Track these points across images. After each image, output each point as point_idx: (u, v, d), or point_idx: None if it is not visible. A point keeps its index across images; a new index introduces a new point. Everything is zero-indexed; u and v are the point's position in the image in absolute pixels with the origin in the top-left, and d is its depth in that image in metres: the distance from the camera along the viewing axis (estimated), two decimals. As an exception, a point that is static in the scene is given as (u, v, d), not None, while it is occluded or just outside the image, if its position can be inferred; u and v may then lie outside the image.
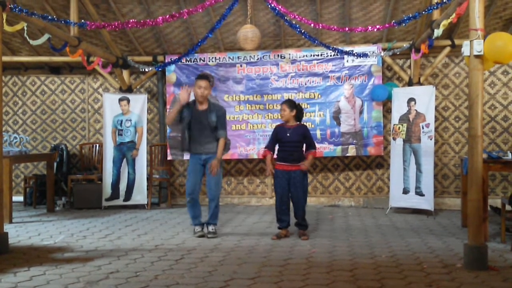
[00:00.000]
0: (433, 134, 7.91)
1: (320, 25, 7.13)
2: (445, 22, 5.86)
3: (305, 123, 8.49)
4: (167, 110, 9.17)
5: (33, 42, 6.80)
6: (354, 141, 8.74)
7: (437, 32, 6.29)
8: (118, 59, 8.74)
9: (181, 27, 8.76)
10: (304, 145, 6.36)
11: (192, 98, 6.40)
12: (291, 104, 6.35)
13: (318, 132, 8.78)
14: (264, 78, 8.97)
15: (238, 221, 7.61)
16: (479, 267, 4.71)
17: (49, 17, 6.43)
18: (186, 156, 9.08)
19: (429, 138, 7.89)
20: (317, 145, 8.75)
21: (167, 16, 6.55)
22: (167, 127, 9.21)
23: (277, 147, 6.43)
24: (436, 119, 8.59)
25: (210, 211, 6.42)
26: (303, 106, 8.58)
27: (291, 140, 6.25)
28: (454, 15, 5.49)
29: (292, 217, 6.42)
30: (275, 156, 6.44)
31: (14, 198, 8.61)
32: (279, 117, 8.74)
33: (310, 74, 8.84)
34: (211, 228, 6.43)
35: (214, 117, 6.29)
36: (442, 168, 8.89)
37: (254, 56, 8.93)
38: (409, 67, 8.85)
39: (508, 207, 6.13)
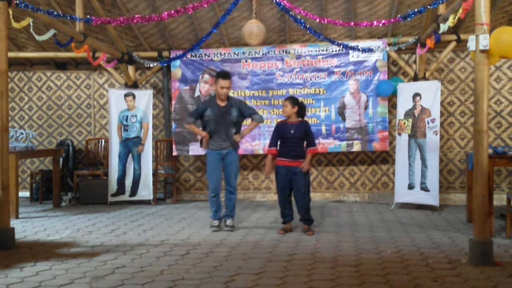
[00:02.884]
0: (438, 129, 7.89)
1: (325, 20, 7.09)
2: (452, 20, 5.82)
3: (310, 119, 8.63)
4: (173, 105, 9.19)
5: (39, 38, 6.81)
6: (359, 137, 8.73)
7: (443, 28, 6.26)
8: (124, 55, 8.74)
9: (186, 22, 8.76)
10: (305, 142, 6.38)
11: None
12: (293, 100, 6.38)
13: (323, 128, 8.77)
14: (269, 73, 8.96)
15: (243, 216, 7.62)
16: (485, 263, 4.70)
17: (55, 12, 6.43)
18: (191, 152, 9.13)
19: (434, 134, 7.87)
20: (322, 141, 8.84)
21: (172, 12, 6.54)
22: (172, 123, 9.24)
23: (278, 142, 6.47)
24: (442, 114, 8.57)
25: (231, 203, 6.55)
26: (308, 102, 8.68)
27: (294, 136, 6.27)
28: (461, 10, 5.45)
29: (296, 212, 6.44)
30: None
31: (21, 194, 8.64)
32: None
33: (315, 70, 8.83)
34: (229, 221, 6.54)
35: (235, 112, 6.46)
36: (448, 164, 8.87)
37: (259, 51, 8.92)
38: (415, 62, 8.83)
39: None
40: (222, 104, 6.46)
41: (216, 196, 6.50)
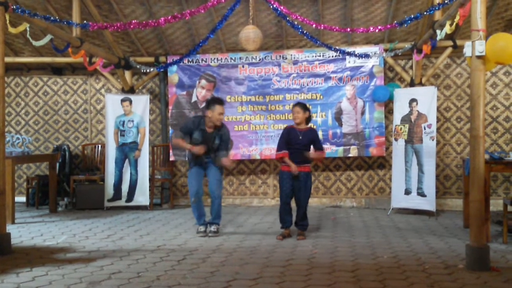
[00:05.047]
0: (435, 135, 7.91)
1: (322, 25, 7.14)
2: (450, 26, 5.84)
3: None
4: (169, 110, 9.19)
5: (36, 43, 6.82)
6: (356, 142, 8.74)
7: (441, 34, 6.29)
8: (120, 60, 8.75)
9: (183, 28, 8.78)
10: (312, 147, 6.35)
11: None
12: (303, 106, 6.38)
13: (320, 133, 8.76)
14: (266, 79, 8.97)
15: (240, 221, 7.62)
16: (481, 268, 4.71)
17: (52, 18, 6.45)
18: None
19: (431, 139, 7.89)
20: (319, 146, 8.86)
21: (169, 17, 6.56)
22: (169, 128, 9.24)
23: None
24: (438, 120, 8.60)
25: (214, 209, 6.54)
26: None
27: (302, 143, 6.24)
28: (458, 17, 5.48)
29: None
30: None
31: (17, 199, 8.64)
32: (283, 117, 8.84)
33: (312, 75, 8.85)
34: (213, 227, 6.53)
35: (218, 140, 6.46)
36: (444, 169, 8.89)
37: (256, 57, 8.93)
38: (411, 67, 8.86)
39: (510, 208, 6.12)
40: (209, 130, 6.46)
41: (196, 200, 6.52)
